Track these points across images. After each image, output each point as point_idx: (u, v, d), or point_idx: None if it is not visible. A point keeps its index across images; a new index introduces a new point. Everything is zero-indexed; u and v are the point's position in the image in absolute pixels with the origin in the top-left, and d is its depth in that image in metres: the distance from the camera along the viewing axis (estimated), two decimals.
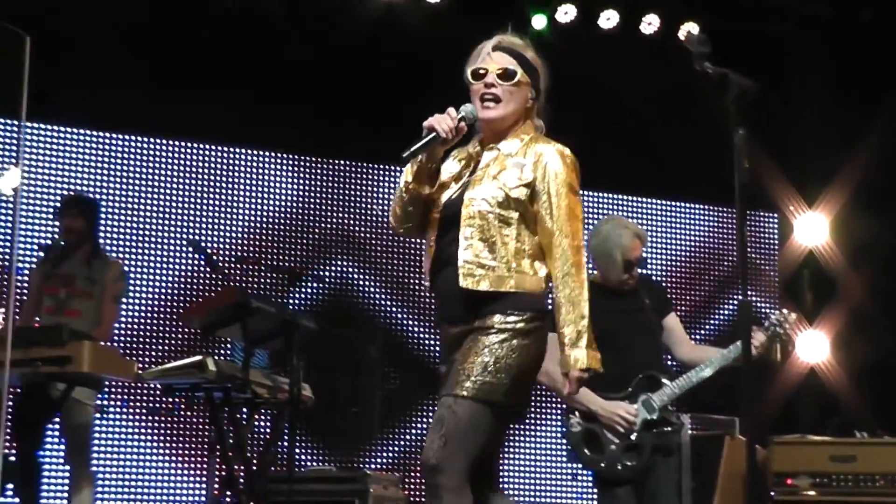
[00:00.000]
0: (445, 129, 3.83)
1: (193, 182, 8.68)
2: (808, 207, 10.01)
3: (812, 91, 9.97)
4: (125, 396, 8.13)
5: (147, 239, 8.49)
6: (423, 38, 8.28)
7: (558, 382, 5.56)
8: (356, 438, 8.70)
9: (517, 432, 9.24)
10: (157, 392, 7.44)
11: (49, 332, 5.55)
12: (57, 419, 6.59)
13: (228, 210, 8.75)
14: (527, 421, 9.25)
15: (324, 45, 8.56)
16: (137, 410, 8.23)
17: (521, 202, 3.88)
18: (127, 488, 8.17)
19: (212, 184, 8.73)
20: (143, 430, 8.25)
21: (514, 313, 3.81)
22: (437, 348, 4.26)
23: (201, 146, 8.74)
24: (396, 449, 8.82)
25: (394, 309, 8.96)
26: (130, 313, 8.20)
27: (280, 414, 6.17)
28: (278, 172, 8.92)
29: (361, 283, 8.89)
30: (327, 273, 8.77)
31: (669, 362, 5.86)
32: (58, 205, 7.22)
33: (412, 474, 8.26)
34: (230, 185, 8.77)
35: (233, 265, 8.63)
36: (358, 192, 8.96)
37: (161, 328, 8.39)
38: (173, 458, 8.29)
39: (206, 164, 8.75)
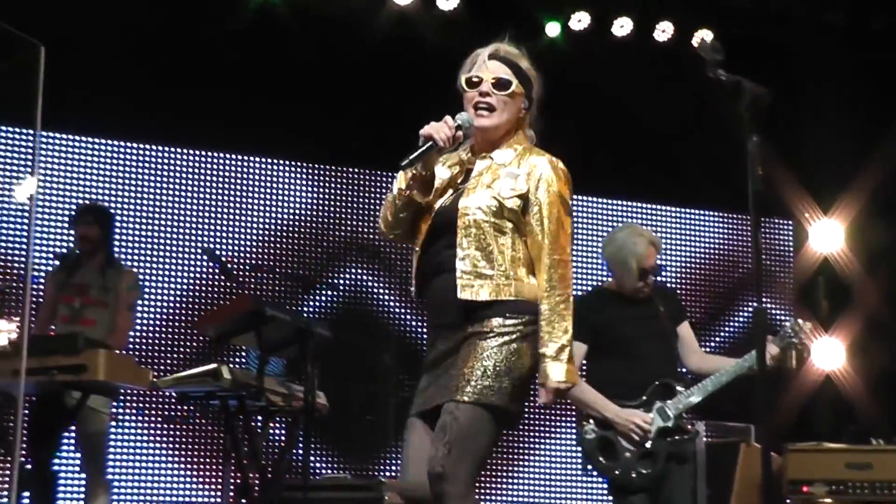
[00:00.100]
0: (443, 138, 3.84)
1: (208, 191, 8.70)
2: (823, 214, 9.98)
3: (826, 98, 9.95)
4: (140, 404, 8.14)
5: (161, 248, 8.51)
6: (437, 47, 8.29)
7: (574, 389, 5.59)
8: (371, 446, 8.69)
9: (531, 439, 9.24)
10: (172, 400, 7.44)
11: (64, 341, 5.55)
12: (72, 427, 6.60)
13: (243, 219, 8.76)
14: (541, 428, 9.26)
15: (338, 54, 8.57)
16: (152, 418, 8.24)
17: (515, 212, 3.89)
18: (142, 496, 8.18)
19: (226, 192, 8.74)
20: (157, 439, 8.26)
21: (512, 317, 3.81)
22: None
23: (216, 155, 8.76)
24: None
25: (408, 316, 8.96)
26: (145, 322, 8.22)
27: (295, 422, 6.17)
28: (292, 181, 8.93)
29: (375, 290, 8.89)
30: (341, 281, 8.78)
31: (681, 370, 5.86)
32: (72, 213, 7.24)
33: None
34: (244, 194, 8.79)
35: (247, 273, 8.63)
36: (372, 200, 8.96)
37: (175, 336, 8.41)
38: (188, 466, 8.30)
39: (221, 173, 8.76)
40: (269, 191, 8.86)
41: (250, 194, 8.80)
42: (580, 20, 9.20)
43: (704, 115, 7.85)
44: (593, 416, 5.54)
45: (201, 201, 8.67)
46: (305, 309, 8.52)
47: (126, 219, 8.33)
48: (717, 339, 9.80)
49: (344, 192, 9.00)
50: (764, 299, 3.65)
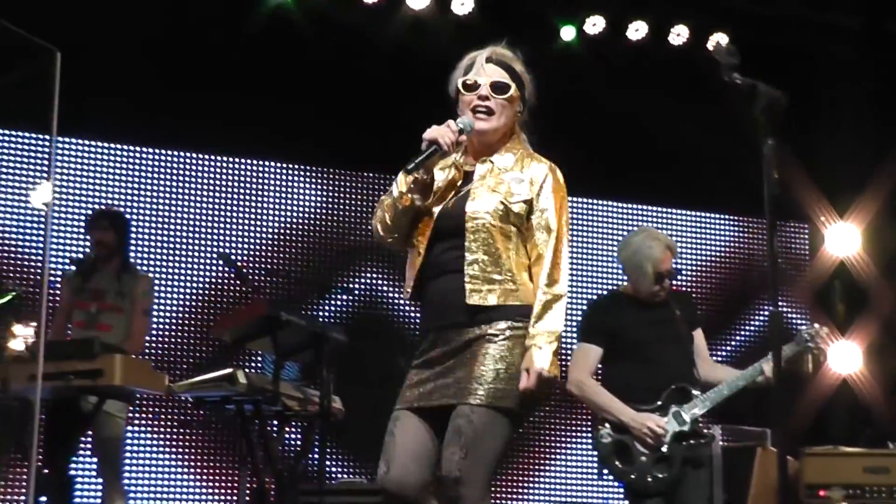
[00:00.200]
0: (448, 142, 3.85)
1: (223, 195, 8.71)
2: (839, 218, 9.95)
3: (842, 101, 9.93)
4: (155, 409, 8.15)
5: (176, 252, 8.52)
6: (451, 51, 8.28)
7: (588, 391, 5.59)
8: None
9: (548, 443, 9.23)
10: (189, 405, 7.47)
11: (80, 346, 5.57)
12: (89, 432, 6.61)
13: (258, 223, 8.77)
14: (558, 432, 9.25)
15: (352, 58, 8.57)
16: (167, 423, 8.25)
17: (521, 217, 3.92)
18: (158, 501, 8.19)
19: (241, 197, 8.75)
20: (173, 443, 8.27)
21: (520, 320, 3.84)
22: None
23: (231, 160, 8.77)
24: None
25: None
26: (160, 326, 8.24)
27: (310, 426, 6.17)
28: (307, 185, 8.94)
29: (390, 294, 8.89)
30: (356, 285, 8.78)
31: None
32: (88, 218, 7.25)
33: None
34: (259, 199, 8.80)
35: (262, 278, 8.64)
36: None
37: (191, 341, 8.42)
38: (204, 471, 8.30)
39: (236, 178, 8.78)
40: (283, 195, 8.87)
41: (265, 199, 8.81)
42: (595, 24, 9.20)
43: (720, 119, 7.83)
44: (609, 419, 5.54)
45: (216, 206, 8.68)
46: (320, 313, 8.53)
47: (141, 224, 8.35)
48: (733, 342, 9.78)
49: (359, 197, 9.00)
50: (780, 303, 3.64)
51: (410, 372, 3.95)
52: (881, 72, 9.62)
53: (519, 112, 4.08)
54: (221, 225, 8.67)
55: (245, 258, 8.63)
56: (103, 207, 7.96)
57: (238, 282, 8.12)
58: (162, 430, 8.25)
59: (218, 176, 8.74)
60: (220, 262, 8.14)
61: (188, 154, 8.67)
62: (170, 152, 8.61)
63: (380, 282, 8.84)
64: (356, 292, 8.71)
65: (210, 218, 8.65)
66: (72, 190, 8.28)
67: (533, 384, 3.76)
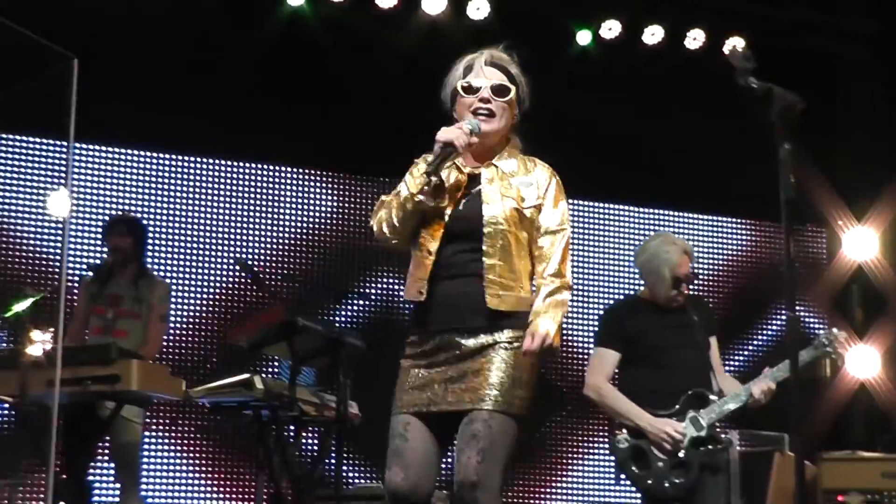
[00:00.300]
0: (463, 144, 3.87)
1: (239, 200, 8.72)
2: (857, 221, 9.93)
3: (859, 104, 9.91)
4: (172, 415, 8.17)
5: (193, 257, 8.54)
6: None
7: (606, 397, 5.58)
8: None
9: (566, 449, 9.23)
10: (206, 410, 7.47)
11: (98, 351, 5.57)
12: (107, 438, 6.62)
13: (274, 228, 8.78)
14: (575, 437, 9.24)
15: (368, 63, 8.58)
16: (184, 429, 8.27)
17: (532, 222, 3.96)
18: None
19: (257, 202, 8.76)
20: (190, 449, 8.29)
21: (524, 326, 3.85)
22: None
23: (248, 165, 8.78)
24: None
25: None
26: (177, 331, 8.25)
27: (327, 432, 6.18)
28: (323, 190, 8.95)
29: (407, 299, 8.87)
30: (373, 290, 8.78)
31: None
32: (105, 224, 7.26)
33: None
34: (276, 204, 8.81)
35: (279, 283, 8.65)
36: None
37: (207, 346, 8.43)
38: (220, 477, 8.31)
39: (252, 183, 8.79)
40: (300, 200, 8.88)
41: (282, 204, 8.82)
42: (611, 28, 9.19)
43: (736, 123, 7.82)
44: (626, 425, 5.53)
45: (233, 211, 8.69)
46: (337, 319, 8.53)
47: (158, 229, 8.37)
48: (751, 347, 9.75)
49: (375, 202, 8.93)
50: (797, 308, 3.63)
51: (411, 372, 3.93)
52: None
53: (515, 115, 4.08)
54: (238, 230, 8.68)
55: (262, 263, 8.64)
56: (120, 213, 7.98)
57: (255, 287, 8.13)
58: (178, 435, 8.27)
59: (234, 181, 8.75)
60: (238, 267, 8.15)
61: (205, 159, 8.68)
62: (186, 158, 8.63)
63: (396, 287, 8.83)
64: (373, 297, 8.72)
65: (226, 223, 8.66)
66: (89, 196, 8.30)
67: (536, 347, 3.77)
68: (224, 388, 5.66)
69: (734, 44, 9.10)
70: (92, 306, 6.76)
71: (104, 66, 7.00)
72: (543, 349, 3.78)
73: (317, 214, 8.90)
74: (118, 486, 6.82)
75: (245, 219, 8.71)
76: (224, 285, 8.57)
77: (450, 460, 3.95)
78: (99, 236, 7.68)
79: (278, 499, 5.76)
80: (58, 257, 8.01)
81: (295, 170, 8.90)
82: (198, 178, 8.66)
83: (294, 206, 8.86)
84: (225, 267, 8.57)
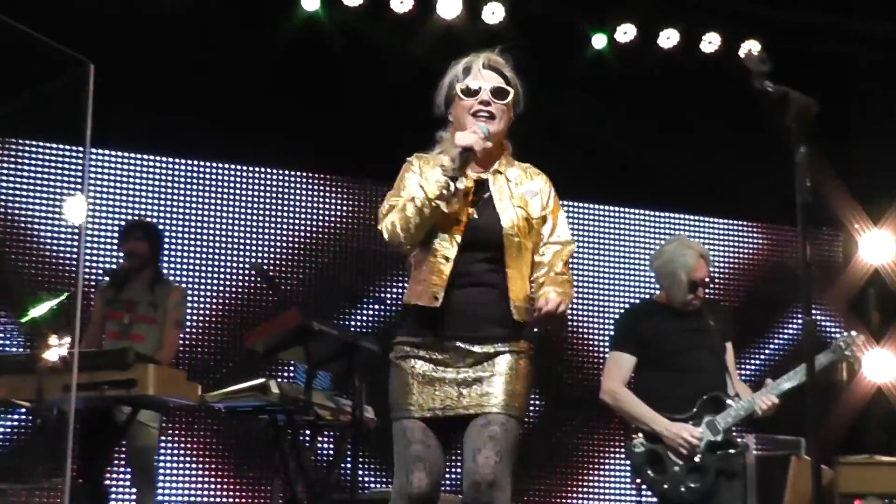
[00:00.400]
0: (481, 148, 3.87)
1: (255, 206, 8.74)
2: (874, 225, 9.90)
3: (875, 108, 9.88)
4: (187, 419, 8.18)
5: (209, 262, 8.55)
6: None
7: (622, 402, 5.57)
8: None
9: (582, 453, 9.22)
10: (221, 415, 7.48)
11: (114, 356, 5.59)
12: (123, 442, 6.63)
13: (289, 233, 8.79)
14: (592, 442, 9.23)
15: (382, 68, 8.58)
16: (200, 433, 8.28)
17: (536, 232, 4.01)
18: None
19: (273, 207, 8.78)
20: (205, 453, 8.30)
21: (529, 338, 3.94)
22: None
23: (263, 170, 8.80)
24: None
25: None
26: (192, 336, 8.27)
27: (343, 436, 6.17)
28: (339, 195, 8.96)
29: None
30: (388, 295, 8.78)
31: None
32: (121, 229, 7.28)
33: None
34: (291, 209, 8.82)
35: (294, 288, 8.66)
36: None
37: (222, 351, 8.44)
38: (236, 481, 8.32)
39: (268, 188, 8.81)
40: (315, 205, 8.89)
41: (297, 209, 8.83)
42: (626, 32, 9.18)
43: (752, 127, 7.80)
44: (642, 429, 5.52)
45: (248, 216, 8.71)
46: (352, 323, 8.54)
47: (174, 234, 8.39)
48: (768, 350, 9.73)
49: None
50: (814, 312, 3.62)
51: (415, 374, 3.91)
52: None
53: (511, 118, 4.09)
54: (253, 235, 8.70)
55: (277, 268, 8.65)
56: (136, 218, 7.99)
57: (270, 292, 8.14)
58: (194, 439, 8.28)
59: (250, 186, 8.77)
60: (254, 272, 8.15)
61: (221, 165, 8.70)
62: (202, 163, 8.65)
63: None
64: (388, 302, 8.71)
65: (242, 228, 8.68)
66: (105, 201, 8.32)
67: (553, 307, 3.79)
68: (240, 392, 5.67)
69: (749, 47, 9.08)
70: (108, 311, 6.78)
71: (120, 71, 7.01)
72: (557, 315, 3.80)
73: (332, 219, 8.91)
74: (134, 490, 6.83)
75: (261, 223, 8.73)
76: (239, 290, 8.58)
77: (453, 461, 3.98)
78: (115, 241, 7.71)
79: (294, 503, 5.76)
80: (74, 262, 8.03)
81: (310, 175, 8.91)
82: (213, 183, 8.68)
83: (309, 210, 8.87)
84: (240, 271, 8.58)
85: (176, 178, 8.56)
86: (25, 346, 7.39)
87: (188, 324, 7.75)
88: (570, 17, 9.12)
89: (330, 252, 8.89)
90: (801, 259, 3.59)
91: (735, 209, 9.86)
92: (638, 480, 5.56)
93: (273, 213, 8.77)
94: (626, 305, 8.90)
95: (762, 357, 9.66)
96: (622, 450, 8.05)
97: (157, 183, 8.50)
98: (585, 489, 9.22)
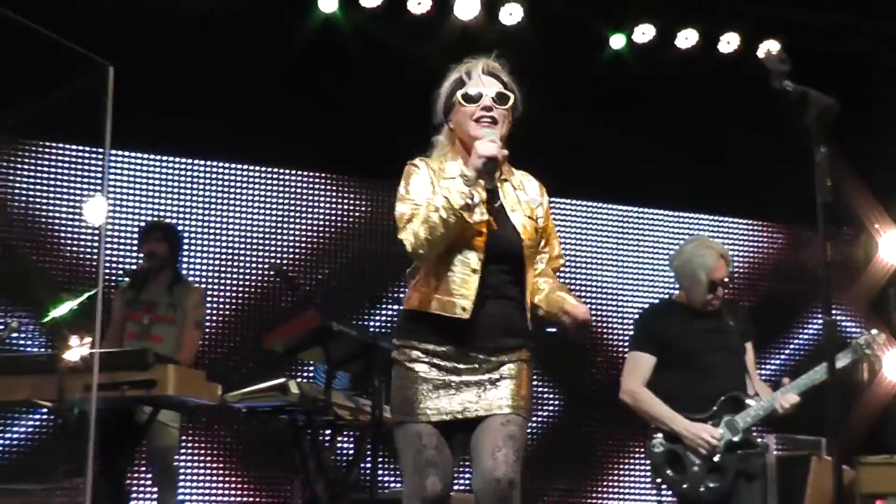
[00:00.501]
0: (503, 157, 3.88)
1: (273, 206, 8.76)
2: (894, 225, 9.86)
3: (894, 106, 9.84)
4: (207, 419, 8.19)
5: (228, 263, 8.58)
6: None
7: (642, 402, 5.56)
8: None
9: (602, 453, 9.21)
10: (241, 415, 7.50)
11: (134, 356, 5.60)
12: (144, 442, 6.65)
13: (308, 234, 8.81)
14: (611, 441, 9.23)
15: (399, 69, 8.59)
16: (220, 433, 8.30)
17: (538, 240, 4.05)
18: None
19: (291, 208, 8.80)
20: (225, 453, 8.32)
21: (532, 346, 3.99)
22: None
23: (282, 171, 8.82)
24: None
25: None
26: (212, 337, 8.29)
27: (362, 436, 6.18)
28: (356, 196, 8.97)
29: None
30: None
31: None
32: (141, 230, 7.30)
33: None
34: (309, 209, 8.84)
35: (313, 288, 8.68)
36: None
37: (242, 351, 8.46)
38: (256, 481, 8.34)
39: (286, 189, 8.83)
40: (334, 206, 8.91)
41: (316, 209, 8.85)
42: (644, 33, 9.17)
43: (771, 127, 7.79)
44: (661, 429, 5.52)
45: (266, 217, 8.73)
46: (371, 324, 8.55)
47: (193, 235, 8.41)
48: (787, 351, 9.71)
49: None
50: (834, 312, 3.61)
51: (427, 379, 3.90)
52: None
53: (511, 123, 4.07)
54: (272, 235, 8.72)
55: (295, 269, 8.67)
56: (156, 219, 8.02)
57: (289, 292, 8.15)
58: (214, 440, 8.30)
59: (269, 187, 8.79)
60: (273, 273, 8.17)
61: (239, 166, 8.73)
62: (221, 164, 8.68)
63: None
64: None
65: (260, 229, 8.71)
66: (125, 202, 8.35)
67: (587, 317, 3.86)
68: (260, 392, 5.68)
69: (769, 47, 9.06)
70: (128, 312, 6.80)
71: (140, 73, 7.05)
72: (586, 322, 3.87)
73: (350, 220, 8.92)
74: (155, 490, 6.85)
75: (280, 224, 8.75)
76: (259, 290, 8.60)
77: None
78: (135, 242, 7.73)
79: (314, 503, 5.77)
80: (94, 263, 8.05)
81: (328, 175, 8.92)
82: (233, 184, 8.71)
83: (328, 212, 8.89)
84: (259, 272, 8.60)
85: (195, 180, 8.59)
86: (47, 347, 7.42)
87: (207, 324, 7.77)
88: (589, 17, 9.12)
89: (349, 253, 8.90)
90: (821, 259, 3.58)
91: (755, 209, 9.85)
92: (657, 480, 5.55)
93: (292, 214, 8.80)
94: (646, 305, 8.89)
95: (782, 357, 9.64)
96: (641, 450, 8.04)
97: (176, 184, 8.54)
98: (605, 489, 9.22)
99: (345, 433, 6.60)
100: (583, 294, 9.38)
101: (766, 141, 8.87)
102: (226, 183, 8.69)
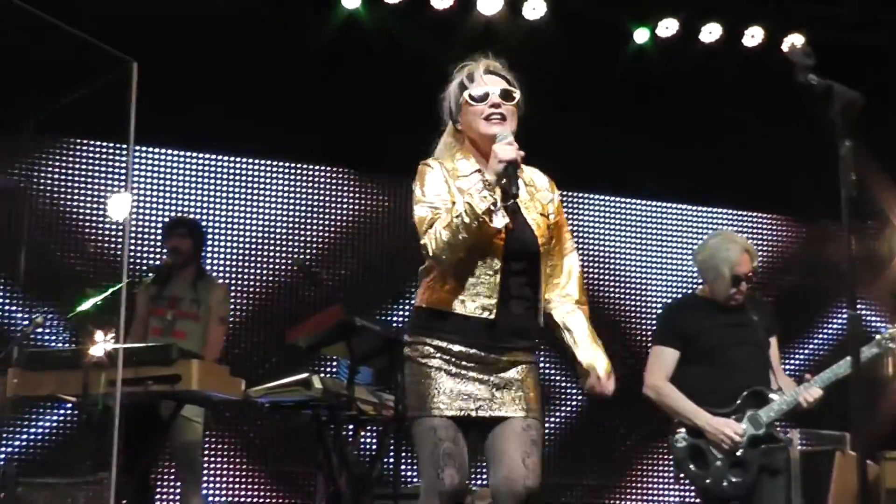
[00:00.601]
0: (521, 158, 3.86)
1: (297, 202, 8.78)
2: None
3: None
4: (230, 414, 8.20)
5: (251, 258, 8.60)
6: (523, 57, 8.26)
7: (665, 397, 5.55)
8: None
9: (626, 448, 9.20)
10: (264, 410, 7.53)
11: (158, 351, 5.63)
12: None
13: (331, 230, 8.83)
14: (635, 436, 9.22)
15: (422, 65, 8.57)
16: (243, 428, 8.32)
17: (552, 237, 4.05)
18: None
19: (315, 203, 8.82)
20: (248, 448, 8.34)
21: (540, 347, 4.04)
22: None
23: (305, 166, 8.84)
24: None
25: None
26: (235, 332, 8.31)
27: (385, 431, 6.20)
28: (379, 192, 8.98)
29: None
30: None
31: None
32: (165, 226, 7.32)
33: None
34: (333, 206, 8.86)
35: (336, 283, 8.69)
36: None
37: (266, 346, 8.48)
38: (280, 476, 8.36)
39: (310, 184, 8.85)
40: (357, 202, 8.93)
41: (339, 205, 8.87)
42: (668, 27, 9.14)
43: (796, 120, 7.76)
44: (684, 423, 5.51)
45: (290, 212, 8.75)
46: (394, 319, 8.56)
47: (217, 230, 8.44)
48: (812, 346, 9.68)
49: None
50: (858, 306, 3.60)
51: (443, 373, 3.90)
52: None
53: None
54: (295, 231, 8.74)
55: (319, 264, 8.68)
56: (180, 215, 8.04)
57: (312, 287, 8.17)
58: (238, 434, 8.32)
59: (292, 183, 8.82)
60: (297, 268, 8.19)
61: (263, 162, 8.75)
62: (245, 160, 8.71)
63: None
64: None
65: (284, 224, 8.73)
66: (149, 198, 8.38)
67: (611, 390, 3.96)
68: (283, 387, 5.70)
69: (793, 41, 9.02)
70: (152, 308, 6.81)
71: (163, 69, 7.06)
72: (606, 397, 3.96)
73: (374, 216, 8.93)
74: (179, 484, 6.88)
75: (303, 220, 8.77)
76: (282, 286, 8.62)
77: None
78: (159, 238, 7.75)
79: (337, 497, 5.78)
80: (118, 259, 8.08)
81: (352, 171, 8.94)
82: (256, 179, 8.73)
83: (351, 207, 8.91)
84: (282, 267, 8.62)
85: (219, 175, 8.62)
86: (71, 342, 7.45)
87: (231, 319, 7.79)
88: (612, 12, 9.09)
89: (372, 248, 8.91)
90: (845, 253, 3.56)
91: (779, 204, 9.82)
92: (680, 475, 5.54)
93: (316, 209, 8.82)
94: (670, 300, 8.88)
95: (806, 352, 9.61)
96: (664, 444, 8.02)
97: (200, 180, 8.57)
98: (628, 483, 9.21)
99: (368, 428, 6.61)
100: (606, 289, 9.37)
101: (791, 135, 8.83)
102: (249, 179, 8.72)
